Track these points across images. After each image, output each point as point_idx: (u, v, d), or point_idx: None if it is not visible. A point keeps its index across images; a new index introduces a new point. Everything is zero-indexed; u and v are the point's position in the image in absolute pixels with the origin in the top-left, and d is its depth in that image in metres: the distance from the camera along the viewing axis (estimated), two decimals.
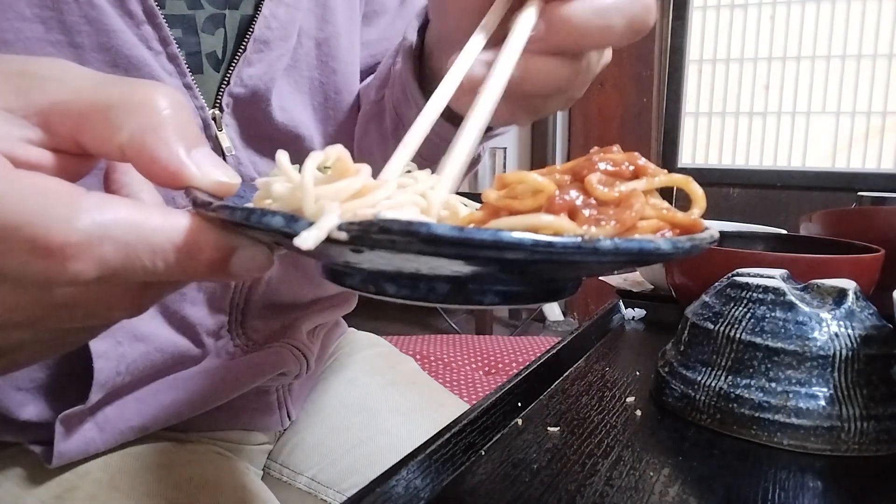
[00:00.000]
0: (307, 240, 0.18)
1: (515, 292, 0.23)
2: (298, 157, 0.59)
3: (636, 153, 0.23)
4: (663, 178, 0.23)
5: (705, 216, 0.23)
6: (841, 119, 2.18)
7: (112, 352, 0.44)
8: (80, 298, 0.21)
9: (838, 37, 2.15)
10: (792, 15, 2.20)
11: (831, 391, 0.37)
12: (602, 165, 0.22)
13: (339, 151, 0.22)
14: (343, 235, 0.18)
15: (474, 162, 0.55)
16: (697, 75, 2.35)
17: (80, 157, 0.23)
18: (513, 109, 0.36)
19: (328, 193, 0.20)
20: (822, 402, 0.37)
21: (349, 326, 0.76)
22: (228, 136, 0.48)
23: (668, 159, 2.36)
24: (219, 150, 0.47)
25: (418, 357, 1.27)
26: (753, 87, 2.28)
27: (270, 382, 0.56)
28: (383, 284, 0.21)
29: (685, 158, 2.37)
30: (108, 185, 0.26)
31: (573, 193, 0.21)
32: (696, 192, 0.23)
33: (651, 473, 0.34)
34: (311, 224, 0.18)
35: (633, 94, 2.33)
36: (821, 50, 2.17)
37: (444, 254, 0.18)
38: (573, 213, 0.21)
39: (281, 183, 0.21)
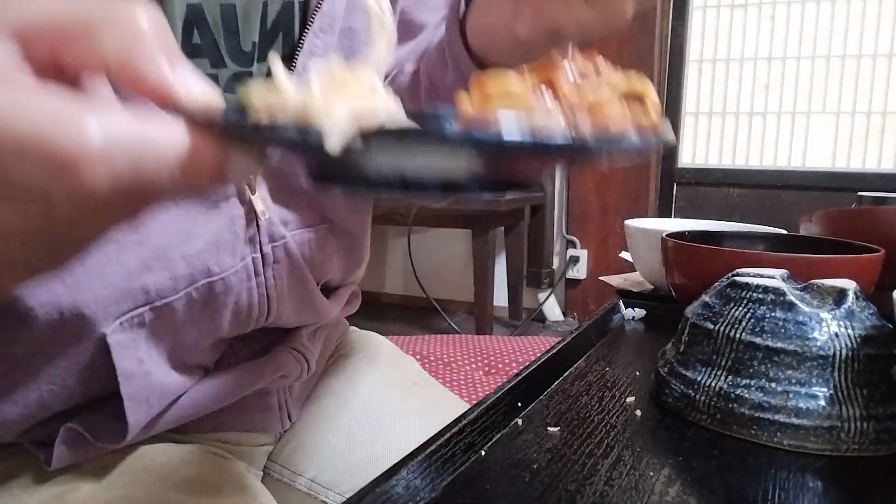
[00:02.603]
0: (335, 145, 0.19)
1: (493, 182, 0.25)
2: (321, 208, 0.59)
3: (594, 51, 0.26)
4: (621, 78, 0.25)
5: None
6: (841, 119, 2.17)
7: (143, 412, 0.45)
8: (79, 214, 0.21)
9: (838, 37, 2.15)
10: (792, 15, 2.20)
11: (831, 391, 0.37)
12: (567, 67, 0.24)
13: (334, 64, 0.23)
14: (359, 142, 0.19)
15: None
16: (697, 75, 2.35)
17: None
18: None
19: (336, 98, 0.21)
20: (822, 402, 0.37)
21: (350, 326, 0.76)
22: (261, 198, 0.47)
23: (667, 159, 2.37)
24: (252, 214, 0.46)
25: (418, 357, 1.27)
26: (753, 87, 2.28)
27: (271, 384, 0.56)
28: (376, 186, 0.23)
29: (685, 158, 2.37)
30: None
31: (547, 96, 0.23)
32: (651, 94, 0.25)
33: (651, 473, 0.34)
34: (322, 133, 0.19)
35: None
36: (821, 50, 2.17)
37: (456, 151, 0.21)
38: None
39: (277, 95, 0.22)
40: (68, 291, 0.39)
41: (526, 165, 0.25)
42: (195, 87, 0.22)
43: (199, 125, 0.21)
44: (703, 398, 0.40)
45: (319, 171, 0.25)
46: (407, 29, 0.58)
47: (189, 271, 0.43)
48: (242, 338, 0.53)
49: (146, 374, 0.44)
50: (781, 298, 0.39)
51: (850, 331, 0.38)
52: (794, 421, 0.37)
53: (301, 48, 0.47)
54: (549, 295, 2.57)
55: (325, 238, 0.55)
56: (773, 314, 0.39)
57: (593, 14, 0.37)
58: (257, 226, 0.47)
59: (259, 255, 0.48)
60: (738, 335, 0.39)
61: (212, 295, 0.45)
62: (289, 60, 0.47)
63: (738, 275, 0.43)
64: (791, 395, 0.37)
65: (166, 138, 0.20)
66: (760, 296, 0.40)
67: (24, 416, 0.43)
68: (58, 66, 0.22)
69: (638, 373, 0.50)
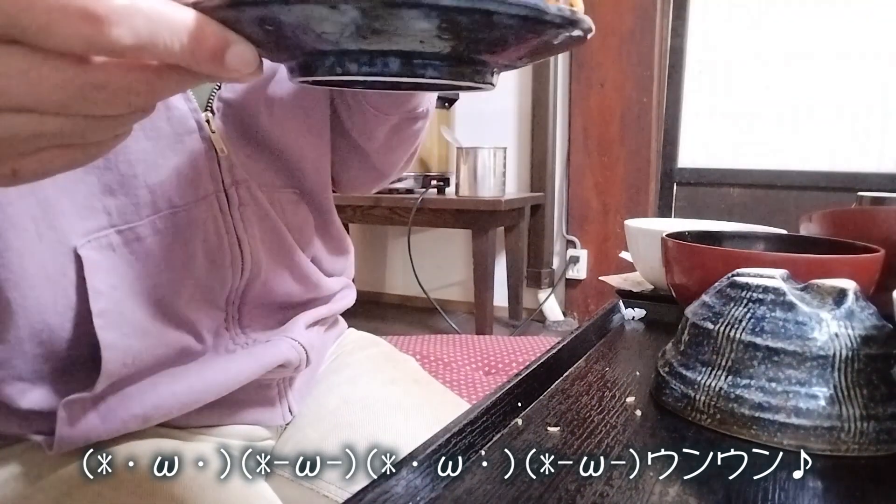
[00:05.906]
0: None
1: (450, 69, 0.27)
2: (286, 169, 0.60)
3: None
4: None
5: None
6: (841, 119, 2.17)
7: (119, 343, 0.45)
8: (106, 78, 0.23)
9: (838, 36, 2.15)
10: (792, 14, 2.20)
11: (831, 391, 0.37)
12: None
13: None
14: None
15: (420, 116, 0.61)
16: (697, 75, 2.35)
17: None
18: None
19: None
20: (822, 402, 0.37)
21: (349, 327, 0.76)
22: (220, 137, 0.50)
23: (668, 159, 2.36)
24: (213, 150, 0.50)
25: (418, 357, 1.27)
26: (754, 87, 2.28)
27: (271, 376, 0.56)
28: (347, 64, 0.26)
29: (685, 158, 2.37)
30: None
31: None
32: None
33: (651, 473, 0.34)
34: None
35: (633, 94, 2.33)
36: (821, 49, 2.17)
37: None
38: None
39: None
40: (40, 206, 0.43)
41: (486, 37, 0.25)
42: None
43: (203, 10, 0.24)
44: (703, 398, 0.40)
45: (296, 66, 0.27)
46: None
47: (152, 199, 0.46)
48: (239, 323, 0.55)
49: (118, 300, 0.46)
50: (781, 298, 0.39)
51: (850, 331, 0.38)
52: (794, 421, 0.37)
53: None
54: (549, 295, 2.57)
55: (298, 203, 0.59)
56: (773, 314, 0.39)
57: None
58: (218, 163, 0.50)
59: (223, 193, 0.51)
60: (738, 335, 0.39)
61: (177, 227, 0.48)
62: None
63: (738, 275, 0.43)
64: (791, 395, 0.37)
65: (177, 12, 0.23)
66: (760, 296, 0.40)
67: (11, 355, 0.44)
68: None
69: (638, 373, 0.50)
